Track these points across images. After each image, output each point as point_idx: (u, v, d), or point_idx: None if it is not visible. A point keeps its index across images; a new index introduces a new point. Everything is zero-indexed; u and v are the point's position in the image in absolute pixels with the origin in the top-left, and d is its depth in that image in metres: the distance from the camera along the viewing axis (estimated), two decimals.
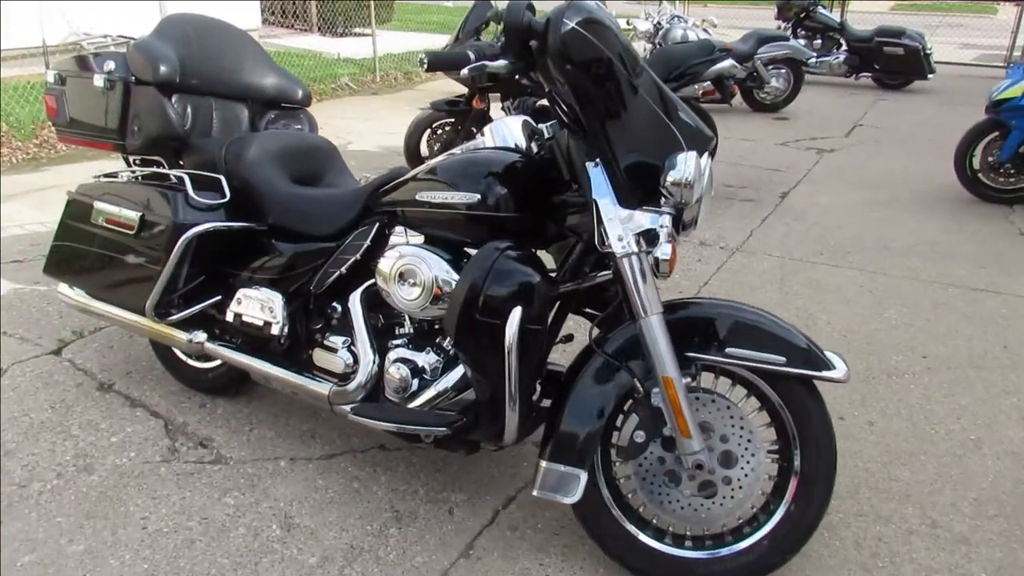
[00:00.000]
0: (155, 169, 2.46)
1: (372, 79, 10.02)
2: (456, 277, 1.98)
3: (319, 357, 2.28)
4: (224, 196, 2.31)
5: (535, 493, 1.92)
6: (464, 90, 5.24)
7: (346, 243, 2.24)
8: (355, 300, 2.21)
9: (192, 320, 2.44)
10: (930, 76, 9.82)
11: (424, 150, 5.33)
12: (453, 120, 5.24)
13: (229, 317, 2.36)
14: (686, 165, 1.72)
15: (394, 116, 8.00)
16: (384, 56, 10.48)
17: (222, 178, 2.33)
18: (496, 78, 2.04)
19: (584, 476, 1.88)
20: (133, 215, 2.32)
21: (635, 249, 1.78)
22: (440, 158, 2.15)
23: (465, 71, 1.85)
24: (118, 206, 2.37)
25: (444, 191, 1.99)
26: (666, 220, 1.76)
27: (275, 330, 2.28)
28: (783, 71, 8.48)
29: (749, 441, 1.88)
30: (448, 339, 2.12)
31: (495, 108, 5.09)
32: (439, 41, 11.81)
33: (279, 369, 2.29)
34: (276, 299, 2.29)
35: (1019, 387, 2.95)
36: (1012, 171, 5.17)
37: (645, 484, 1.93)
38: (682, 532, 1.96)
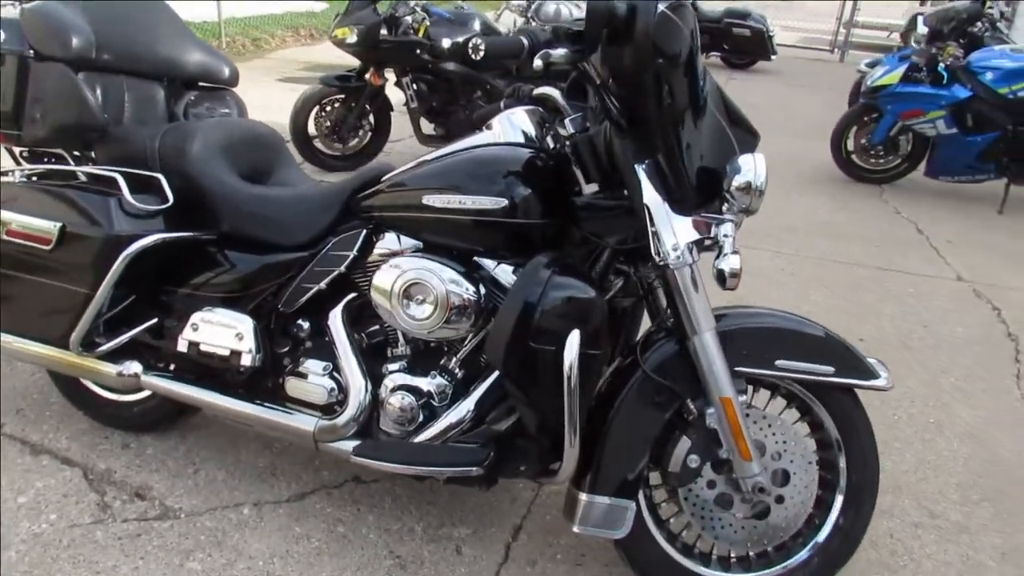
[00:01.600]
0: (72, 167, 2.00)
1: (217, 45, 9.18)
2: (470, 291, 1.74)
3: (293, 387, 1.95)
4: (165, 200, 1.91)
5: (576, 530, 1.74)
6: (355, 63, 4.85)
7: (323, 253, 1.92)
8: (336, 318, 1.90)
9: (120, 349, 2.02)
10: (773, 57, 10.38)
11: (312, 129, 4.89)
12: (344, 97, 4.83)
13: (182, 347, 1.96)
14: (756, 168, 1.57)
15: (254, 88, 7.34)
16: (229, 20, 9.63)
17: (160, 177, 1.92)
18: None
19: (633, 508, 1.72)
20: (49, 226, 1.86)
21: (691, 260, 1.63)
22: (438, 155, 1.88)
23: (538, 61, 1.59)
24: (26, 214, 1.89)
25: (459, 195, 1.73)
26: (729, 228, 1.61)
27: (246, 360, 1.91)
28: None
29: (801, 456, 1.78)
30: (454, 359, 1.87)
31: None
32: (293, 7, 11.07)
33: (250, 406, 1.94)
34: (245, 323, 1.92)
35: (951, 366, 3.10)
36: (883, 153, 5.50)
37: (695, 509, 1.79)
38: (726, 554, 1.85)
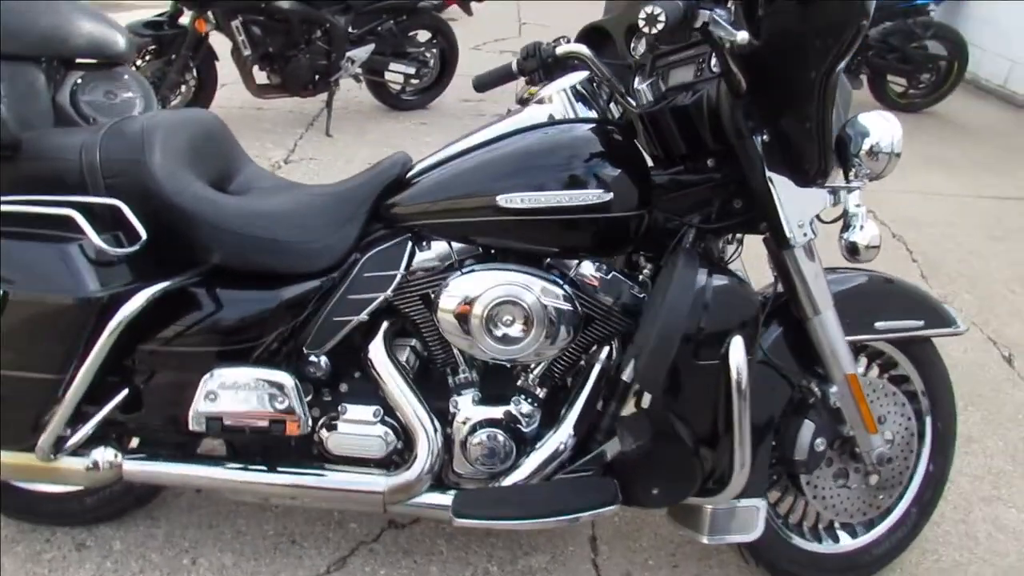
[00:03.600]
0: None
1: None
2: (565, 302, 1.47)
3: (339, 443, 1.57)
4: (135, 236, 1.40)
5: (706, 540, 1.59)
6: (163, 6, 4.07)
7: (355, 276, 1.54)
8: (379, 351, 1.55)
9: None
10: None
11: None
12: (157, 48, 4.04)
13: (196, 425, 1.49)
14: (889, 128, 1.43)
15: None
16: None
17: (120, 205, 1.40)
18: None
19: (764, 506, 1.60)
20: None
21: (813, 236, 1.48)
22: (484, 139, 1.55)
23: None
24: None
25: (548, 191, 1.44)
26: (858, 197, 1.47)
27: (294, 427, 1.50)
28: None
29: (900, 415, 1.74)
30: (531, 377, 1.60)
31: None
32: None
33: (294, 477, 1.54)
34: (283, 381, 1.50)
35: None
36: None
37: (816, 491, 1.70)
38: (830, 524, 1.80)
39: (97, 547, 1.77)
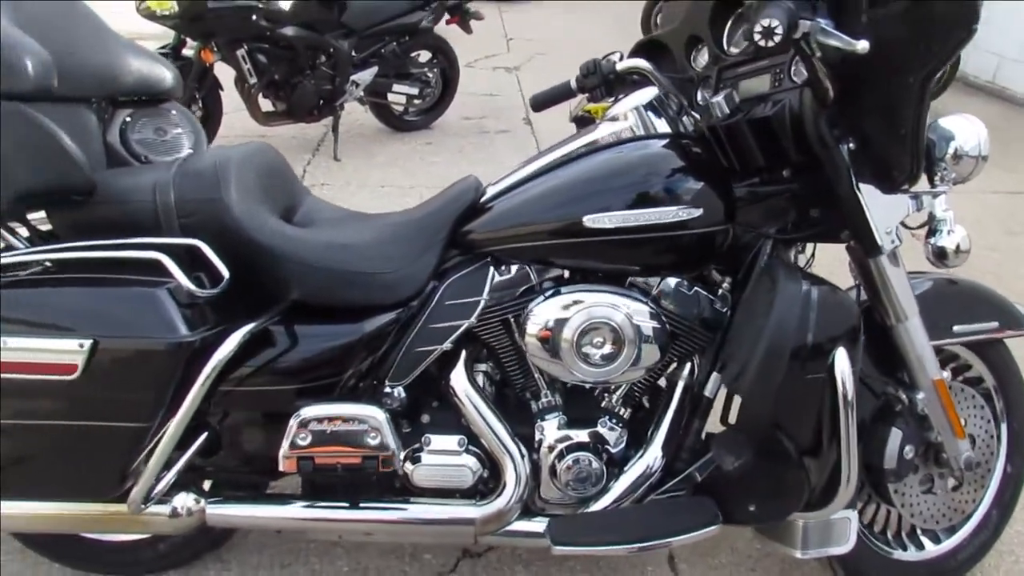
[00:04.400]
0: (84, 247, 1.35)
1: None
2: (655, 322, 1.45)
3: (424, 476, 1.54)
4: (217, 277, 1.36)
5: (800, 555, 1.57)
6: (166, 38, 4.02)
7: (436, 304, 1.51)
8: (462, 379, 1.53)
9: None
10: None
11: None
12: None
13: (287, 465, 1.45)
14: (976, 131, 1.43)
15: None
16: None
17: (201, 245, 1.36)
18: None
19: (855, 517, 1.58)
20: (71, 346, 1.25)
21: (899, 242, 1.47)
22: (558, 160, 1.53)
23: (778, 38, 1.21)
24: (18, 334, 1.25)
25: (637, 209, 1.42)
26: (944, 201, 1.47)
27: (388, 463, 1.47)
28: None
29: (979, 417, 1.74)
30: (615, 399, 1.58)
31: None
32: None
33: (383, 512, 1.50)
34: (376, 416, 1.46)
35: None
36: None
37: (903, 499, 1.68)
38: (912, 531, 1.78)
39: None
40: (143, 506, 1.40)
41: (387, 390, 1.53)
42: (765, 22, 1.15)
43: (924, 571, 1.75)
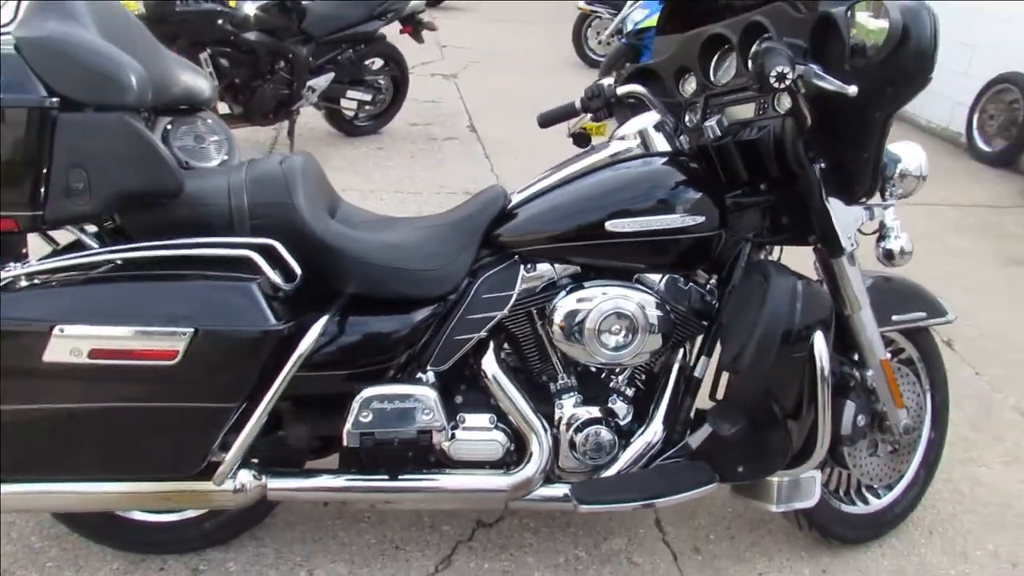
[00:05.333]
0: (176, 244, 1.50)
1: None
2: (662, 312, 1.71)
3: (460, 449, 1.74)
4: (291, 273, 1.54)
5: (774, 509, 1.86)
6: None
7: (472, 298, 1.72)
8: (493, 364, 1.75)
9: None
10: None
11: None
12: None
13: (351, 441, 1.63)
14: (917, 155, 1.75)
15: None
16: None
17: (277, 245, 1.53)
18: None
19: (819, 475, 1.88)
20: (175, 334, 1.40)
21: (856, 245, 1.78)
22: (575, 172, 1.78)
23: (781, 83, 1.44)
24: (124, 323, 1.40)
25: (651, 215, 1.68)
26: (893, 212, 1.79)
27: (438, 437, 1.67)
28: None
29: (912, 391, 2.07)
30: (621, 378, 1.84)
31: None
32: None
33: (429, 481, 1.71)
34: (428, 396, 1.66)
35: None
36: None
37: (855, 461, 2.00)
38: (859, 489, 2.10)
39: (213, 570, 1.86)
40: (230, 481, 1.55)
41: (420, 376, 1.73)
42: (780, 68, 1.42)
43: (869, 522, 2.08)
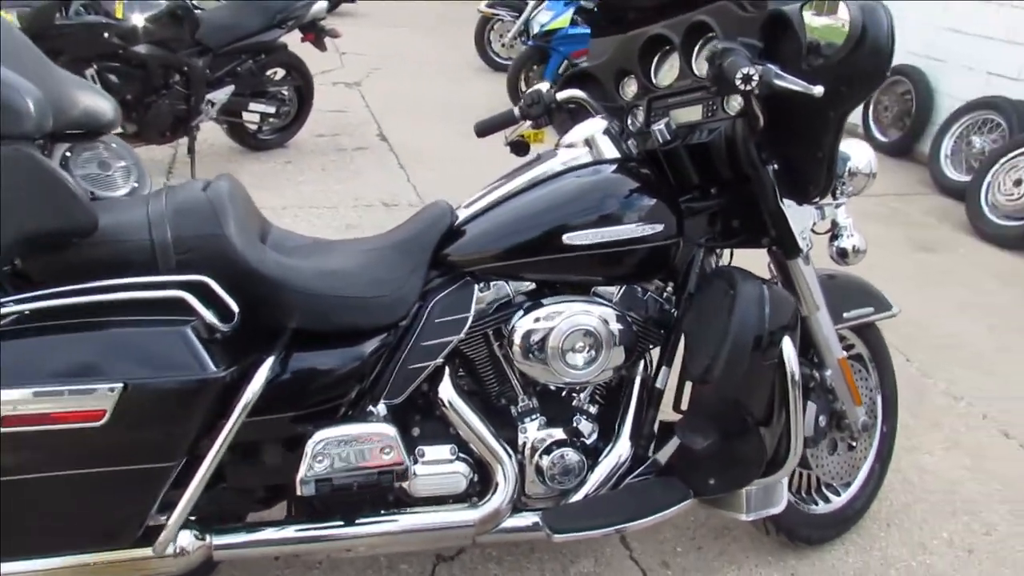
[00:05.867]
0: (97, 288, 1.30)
1: None
2: (625, 326, 1.65)
3: (421, 485, 1.62)
4: (228, 312, 1.37)
5: (744, 518, 1.82)
6: None
7: (425, 323, 1.60)
8: (450, 391, 1.64)
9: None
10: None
11: None
12: None
13: (306, 490, 1.47)
14: (865, 153, 1.74)
15: None
16: None
17: (209, 281, 1.37)
18: None
19: (785, 480, 1.85)
20: (101, 391, 1.22)
21: (811, 245, 1.76)
22: (524, 184, 1.69)
23: (743, 84, 1.38)
24: (40, 384, 1.21)
25: (608, 227, 1.60)
26: (845, 211, 1.78)
27: (402, 477, 1.54)
28: None
29: (866, 387, 2.08)
30: (582, 396, 1.76)
31: None
32: None
33: (388, 524, 1.57)
34: (387, 433, 1.52)
35: None
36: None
37: (818, 461, 1.98)
38: (818, 488, 2.09)
39: None
40: (173, 546, 1.38)
41: (378, 408, 1.60)
42: (745, 70, 1.36)
43: (832, 520, 2.07)
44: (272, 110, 4.69)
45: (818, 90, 1.38)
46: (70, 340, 1.26)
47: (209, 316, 1.31)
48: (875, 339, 2.11)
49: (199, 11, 4.16)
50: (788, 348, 1.62)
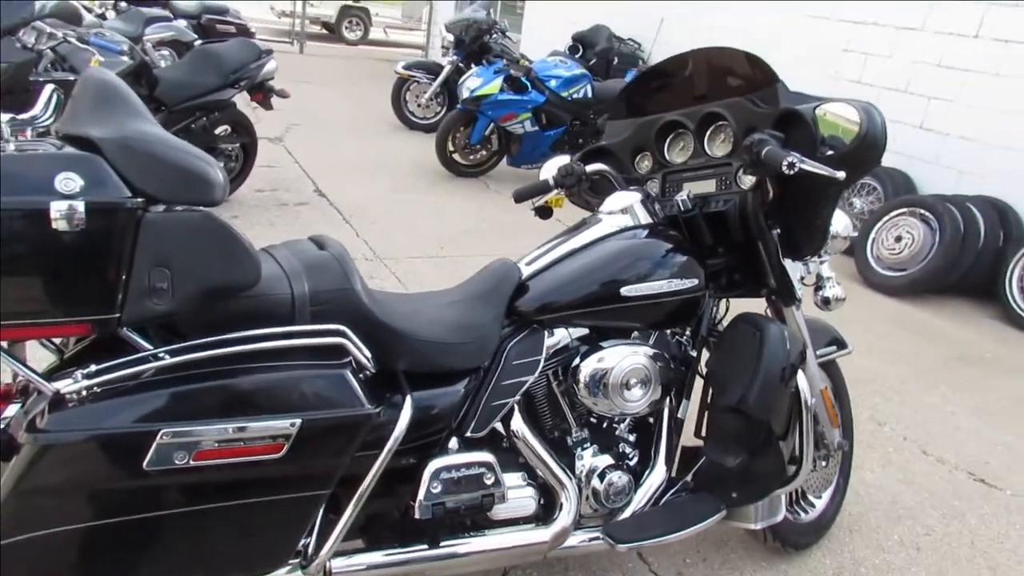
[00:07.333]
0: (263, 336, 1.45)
1: None
2: (666, 365, 1.95)
3: (499, 510, 1.84)
4: (366, 355, 1.57)
5: (755, 527, 2.14)
6: None
7: (504, 365, 1.84)
8: (521, 424, 1.88)
9: None
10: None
11: None
12: None
13: (423, 514, 1.66)
14: (843, 219, 2.15)
15: None
16: None
17: (346, 329, 1.56)
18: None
19: (784, 493, 2.20)
20: (283, 426, 1.38)
21: (802, 295, 2.15)
22: (577, 246, 1.97)
23: (788, 171, 1.74)
24: (231, 421, 1.36)
25: (655, 281, 1.91)
26: (827, 267, 2.17)
27: (500, 497, 1.76)
28: (166, 52, 7.93)
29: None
30: (623, 426, 2.04)
31: None
32: None
33: (476, 544, 1.79)
34: (489, 460, 1.74)
35: None
36: (480, 150, 6.40)
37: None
38: (799, 500, 2.45)
39: None
40: (323, 570, 1.54)
41: (464, 441, 1.82)
42: (789, 159, 1.72)
43: (813, 528, 2.43)
44: (220, 166, 4.75)
45: (841, 175, 1.76)
46: (253, 382, 1.42)
47: (362, 358, 1.51)
48: (835, 371, 2.51)
49: (156, 70, 4.23)
50: (802, 378, 1.97)
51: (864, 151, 1.83)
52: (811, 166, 1.76)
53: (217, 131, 4.77)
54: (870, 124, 1.81)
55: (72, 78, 3.72)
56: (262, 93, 4.91)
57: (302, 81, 10.04)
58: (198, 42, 8.69)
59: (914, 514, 2.69)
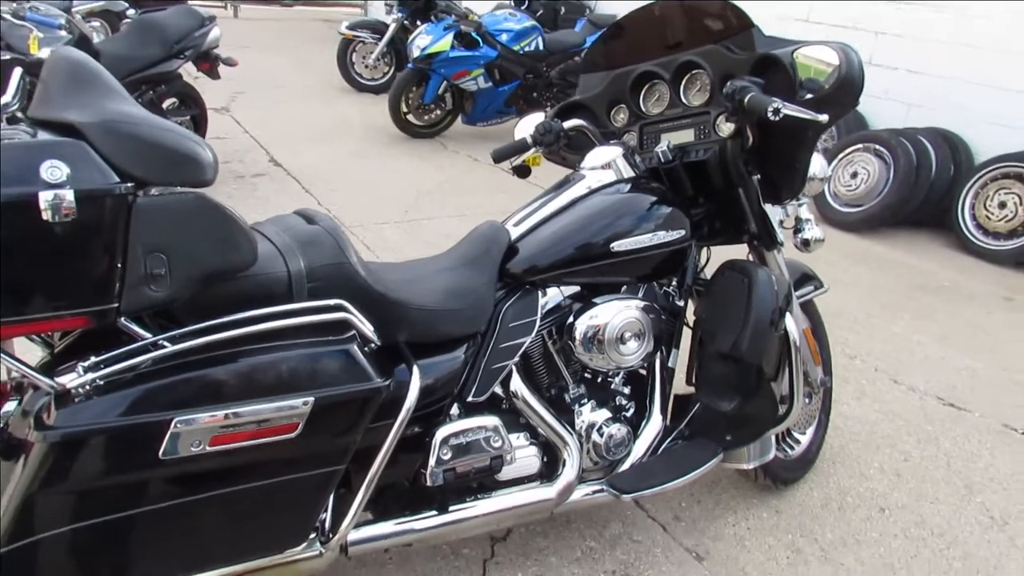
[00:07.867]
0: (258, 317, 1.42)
1: None
2: (658, 318, 1.97)
3: (505, 471, 1.86)
4: (369, 328, 1.55)
5: (748, 467, 2.21)
6: None
7: (501, 329, 1.85)
8: (520, 385, 1.90)
9: None
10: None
11: None
12: None
13: (434, 480, 1.67)
14: (819, 161, 2.18)
15: None
16: None
17: (346, 304, 1.54)
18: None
19: (773, 433, 2.26)
20: (296, 405, 1.37)
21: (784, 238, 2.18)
22: (565, 203, 1.98)
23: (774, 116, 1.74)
24: (245, 405, 1.34)
25: (644, 235, 1.93)
26: (806, 209, 2.21)
27: (508, 459, 1.77)
28: (97, 24, 7.59)
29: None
30: (617, 379, 2.07)
31: None
32: None
33: (489, 503, 1.81)
34: (495, 423, 1.75)
35: None
36: (434, 110, 6.30)
37: None
38: (784, 436, 2.53)
39: None
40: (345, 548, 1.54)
41: (465, 406, 1.82)
42: (774, 105, 1.73)
43: (800, 463, 2.51)
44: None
45: (824, 118, 1.78)
46: (263, 363, 1.39)
47: (366, 331, 1.50)
48: (813, 310, 2.57)
49: (97, 43, 4.06)
50: (790, 321, 2.02)
51: (843, 92, 1.85)
52: (795, 110, 1.77)
53: (164, 105, 4.62)
54: (848, 65, 1.82)
55: (11, 57, 3.56)
56: (208, 62, 4.75)
57: (241, 47, 9.67)
58: (131, 11, 8.35)
59: (892, 442, 2.80)
